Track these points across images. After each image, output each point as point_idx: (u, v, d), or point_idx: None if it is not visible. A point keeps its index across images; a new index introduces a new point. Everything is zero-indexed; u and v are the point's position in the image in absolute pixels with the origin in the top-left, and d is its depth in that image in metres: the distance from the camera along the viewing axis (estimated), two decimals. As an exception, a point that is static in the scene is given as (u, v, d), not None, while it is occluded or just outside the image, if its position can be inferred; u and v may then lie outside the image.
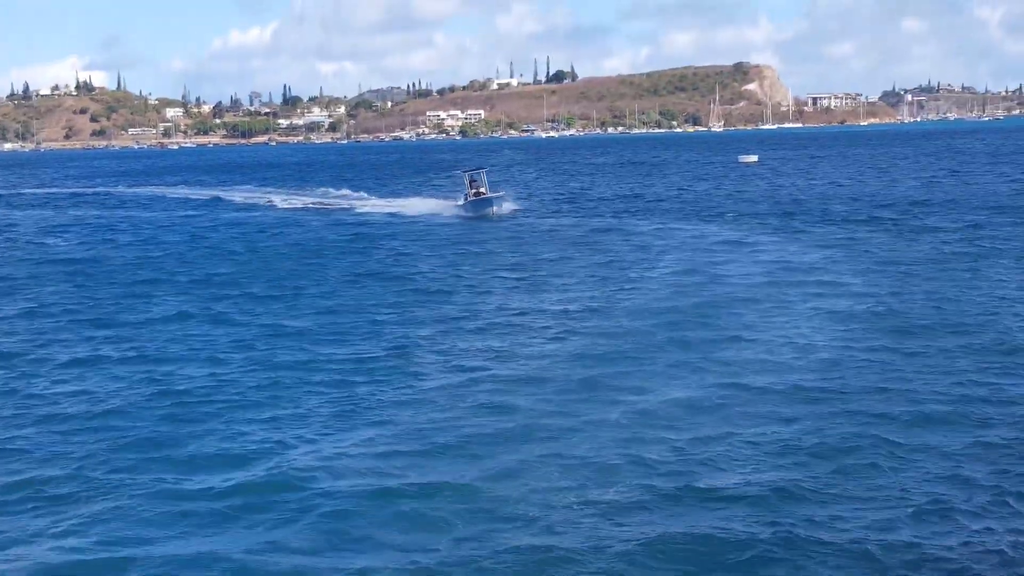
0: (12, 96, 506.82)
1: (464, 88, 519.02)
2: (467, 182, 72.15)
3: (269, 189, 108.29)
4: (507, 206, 69.86)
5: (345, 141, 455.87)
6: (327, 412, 22.40)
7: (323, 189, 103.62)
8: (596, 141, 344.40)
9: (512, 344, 28.35)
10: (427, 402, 22.88)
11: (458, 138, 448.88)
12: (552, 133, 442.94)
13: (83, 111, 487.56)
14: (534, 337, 29.16)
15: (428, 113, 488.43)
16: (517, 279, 40.53)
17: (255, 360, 27.55)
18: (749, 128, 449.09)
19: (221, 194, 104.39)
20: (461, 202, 70.23)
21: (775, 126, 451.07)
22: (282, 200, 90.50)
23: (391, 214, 73.54)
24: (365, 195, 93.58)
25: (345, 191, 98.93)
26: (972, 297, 33.44)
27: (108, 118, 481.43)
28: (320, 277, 42.74)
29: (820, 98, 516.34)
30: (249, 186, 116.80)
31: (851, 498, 16.86)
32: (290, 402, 23.34)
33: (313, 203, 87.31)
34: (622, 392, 23.03)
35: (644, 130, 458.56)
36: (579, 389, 23.44)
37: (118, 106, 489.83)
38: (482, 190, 69.73)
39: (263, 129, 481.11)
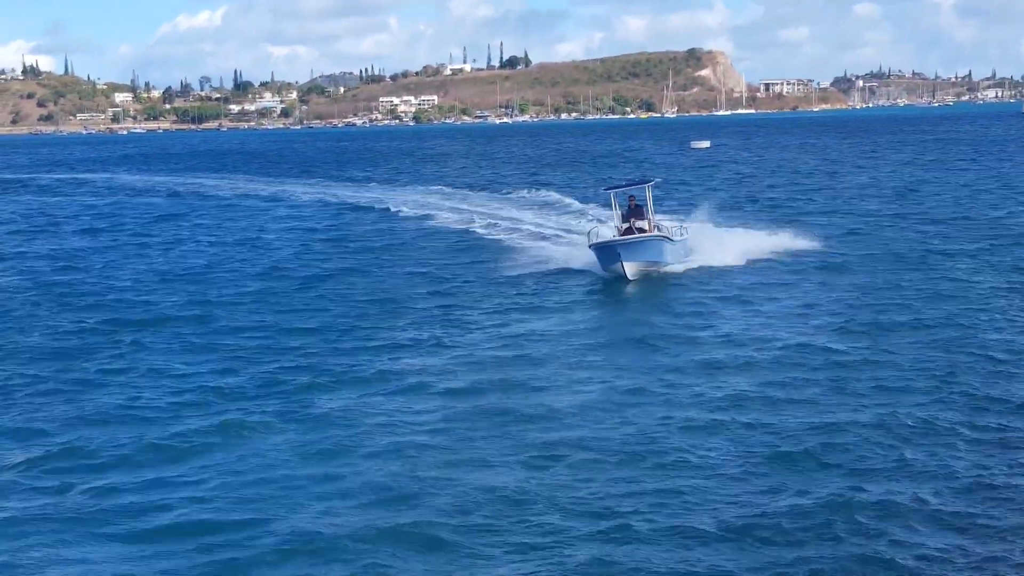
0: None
1: (417, 74, 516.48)
2: (616, 209, 41.88)
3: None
4: (672, 256, 39.61)
5: (298, 127, 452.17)
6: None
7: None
8: (551, 127, 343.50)
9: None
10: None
11: (411, 124, 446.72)
12: (505, 119, 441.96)
13: (30, 96, 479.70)
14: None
15: (381, 99, 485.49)
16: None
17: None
18: (703, 114, 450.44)
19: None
20: (610, 236, 39.81)
21: (728, 112, 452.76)
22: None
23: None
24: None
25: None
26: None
27: (56, 103, 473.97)
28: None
29: (773, 84, 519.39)
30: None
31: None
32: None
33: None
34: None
35: (598, 116, 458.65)
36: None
37: (66, 91, 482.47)
38: (641, 224, 39.67)
39: (214, 115, 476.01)
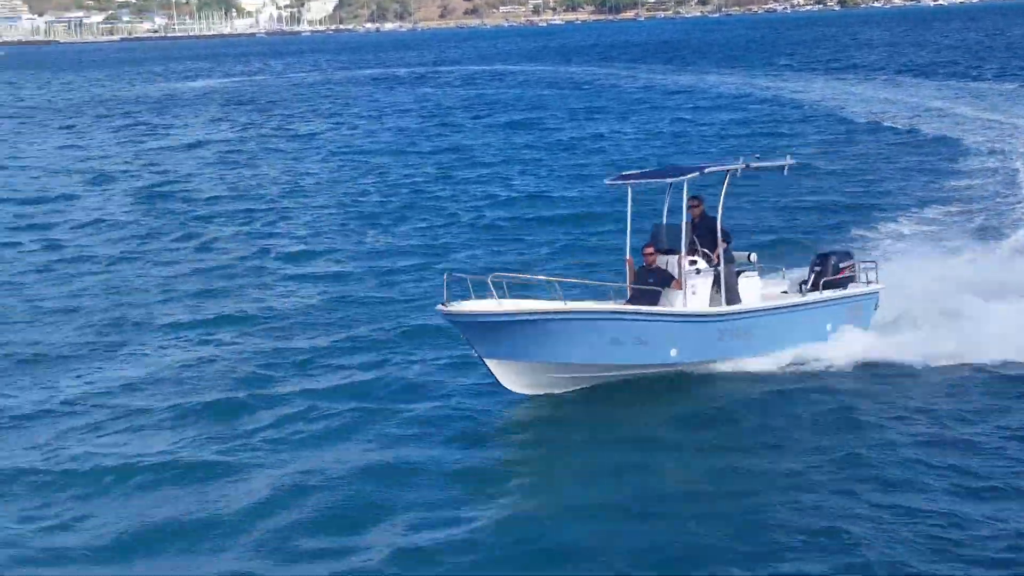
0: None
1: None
2: (629, 220, 19.72)
3: None
4: (693, 345, 18.55)
5: (716, 15, 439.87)
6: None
7: None
8: (989, 10, 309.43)
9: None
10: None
11: (836, 8, 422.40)
12: (941, 0, 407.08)
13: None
14: None
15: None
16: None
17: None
18: None
19: None
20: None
21: None
22: None
23: None
24: None
25: None
26: None
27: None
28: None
29: None
30: None
31: None
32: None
33: None
34: None
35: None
36: None
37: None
38: (675, 261, 18.66)
39: (631, 3, 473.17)
